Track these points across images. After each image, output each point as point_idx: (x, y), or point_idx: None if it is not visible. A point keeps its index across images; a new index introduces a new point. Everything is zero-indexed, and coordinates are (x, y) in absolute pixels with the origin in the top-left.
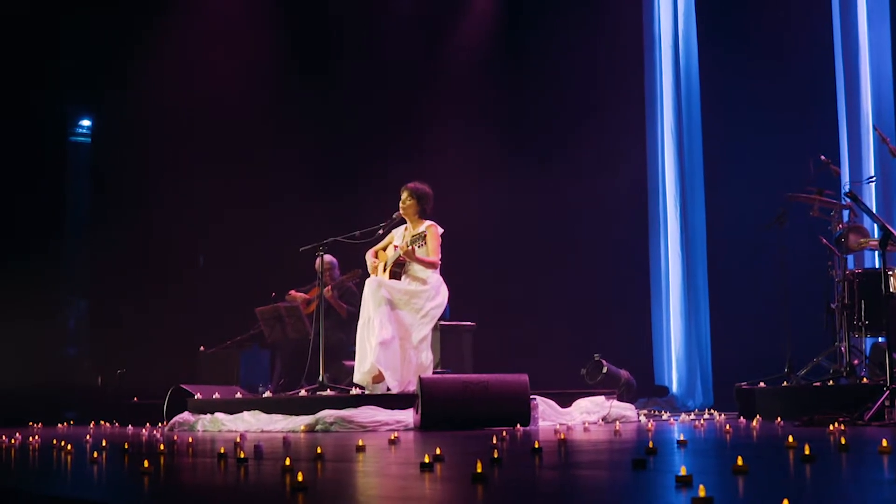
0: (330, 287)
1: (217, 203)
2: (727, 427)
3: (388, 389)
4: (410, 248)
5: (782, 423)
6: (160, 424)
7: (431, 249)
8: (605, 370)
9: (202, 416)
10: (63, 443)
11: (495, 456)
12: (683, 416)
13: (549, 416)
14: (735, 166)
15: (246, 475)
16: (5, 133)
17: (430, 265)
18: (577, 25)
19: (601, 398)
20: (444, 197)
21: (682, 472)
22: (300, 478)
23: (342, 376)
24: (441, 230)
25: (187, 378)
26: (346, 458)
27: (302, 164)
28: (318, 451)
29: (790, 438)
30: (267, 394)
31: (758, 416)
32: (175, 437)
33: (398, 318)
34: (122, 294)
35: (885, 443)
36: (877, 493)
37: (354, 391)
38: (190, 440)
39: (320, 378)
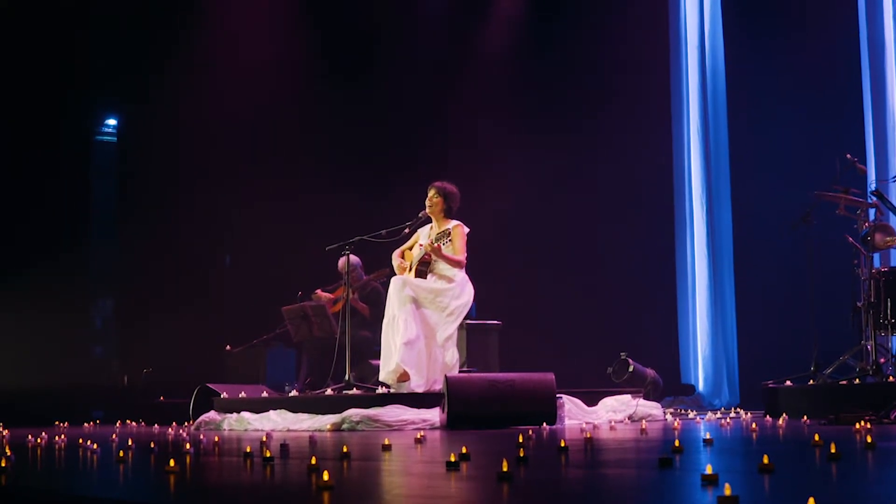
0: (352, 291)
1: (243, 202)
2: (753, 426)
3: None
4: (437, 245)
5: (808, 421)
6: (186, 424)
7: (457, 248)
8: (631, 369)
9: (228, 415)
10: (89, 442)
11: (521, 455)
12: (710, 415)
13: (575, 415)
14: (761, 165)
15: (272, 474)
16: (31, 132)
17: (456, 264)
18: (603, 23)
19: (627, 397)
20: (471, 196)
21: (709, 470)
22: (326, 477)
23: (368, 375)
24: (467, 230)
25: (213, 377)
26: (372, 457)
27: (329, 163)
28: (345, 450)
29: (816, 437)
30: (293, 393)
31: (784, 415)
32: (201, 437)
33: (423, 316)
34: (148, 293)
35: None
36: None
37: (380, 390)
38: (216, 439)
39: (346, 377)
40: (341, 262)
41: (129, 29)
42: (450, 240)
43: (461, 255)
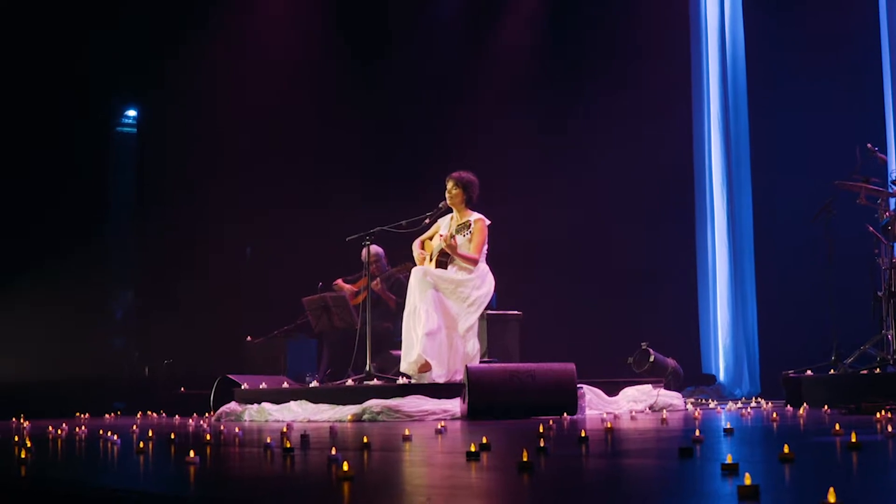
0: (378, 280)
1: (264, 193)
2: (774, 415)
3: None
4: (453, 240)
5: (829, 410)
6: (207, 415)
7: (476, 245)
8: (652, 359)
9: (249, 406)
10: (110, 433)
11: (542, 445)
12: (730, 405)
13: (595, 405)
14: (782, 154)
15: (292, 465)
16: (51, 123)
17: (470, 261)
18: (621, 14)
19: (648, 387)
20: (490, 186)
21: (729, 460)
22: (346, 467)
23: (389, 366)
24: (489, 222)
25: (234, 368)
26: (392, 447)
27: (349, 152)
28: (365, 440)
29: (837, 426)
30: (314, 383)
31: (805, 404)
32: (222, 428)
33: (444, 306)
34: (168, 285)
35: None
36: None
37: (401, 380)
38: (237, 430)
39: (367, 367)
40: (364, 252)
41: (150, 18)
42: (470, 232)
43: (477, 253)
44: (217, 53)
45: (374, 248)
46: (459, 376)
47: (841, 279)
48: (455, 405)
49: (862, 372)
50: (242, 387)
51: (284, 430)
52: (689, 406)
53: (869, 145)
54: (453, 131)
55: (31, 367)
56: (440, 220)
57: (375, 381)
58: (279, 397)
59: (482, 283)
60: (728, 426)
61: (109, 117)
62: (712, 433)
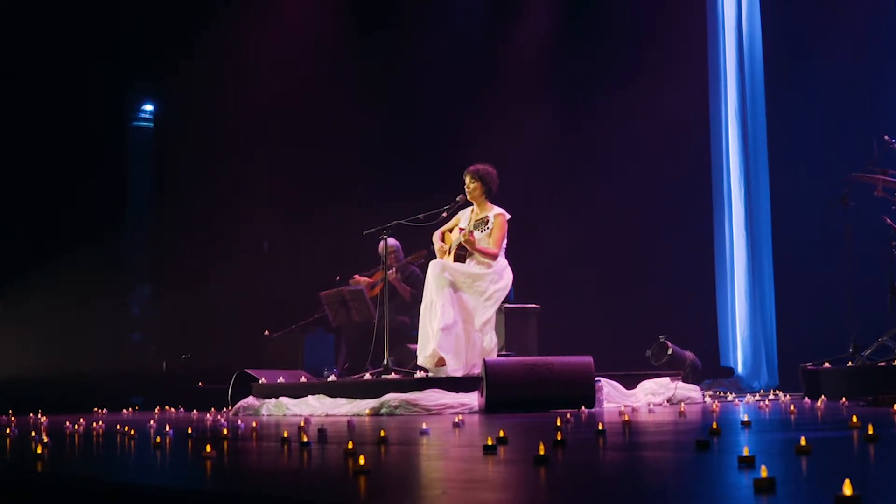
0: (394, 269)
1: (280, 187)
2: (792, 407)
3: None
4: (471, 236)
5: (847, 403)
6: (225, 409)
7: (495, 240)
8: (670, 352)
9: (267, 400)
10: (127, 428)
11: (559, 438)
12: (748, 397)
13: (613, 398)
14: (799, 146)
15: (309, 459)
16: (67, 118)
17: (489, 256)
18: (639, 4)
19: (666, 380)
20: (508, 178)
21: (746, 452)
22: (362, 461)
23: (407, 359)
24: (508, 216)
25: (252, 362)
26: (409, 441)
27: (367, 146)
28: (382, 434)
29: (854, 418)
30: (332, 378)
31: (822, 397)
32: (239, 422)
33: (461, 300)
34: (185, 279)
35: None
36: None
37: (419, 374)
38: (254, 425)
39: (385, 361)
40: (381, 245)
41: (165, 12)
42: (488, 227)
43: (496, 248)
44: (232, 47)
45: (392, 242)
46: (477, 370)
47: (858, 271)
48: (473, 399)
49: (879, 364)
50: (260, 381)
51: (302, 424)
52: (707, 399)
53: (886, 137)
54: (471, 125)
55: (49, 363)
56: (461, 213)
57: (393, 375)
58: (297, 392)
59: (500, 278)
60: (745, 419)
61: (126, 112)
62: (730, 426)
